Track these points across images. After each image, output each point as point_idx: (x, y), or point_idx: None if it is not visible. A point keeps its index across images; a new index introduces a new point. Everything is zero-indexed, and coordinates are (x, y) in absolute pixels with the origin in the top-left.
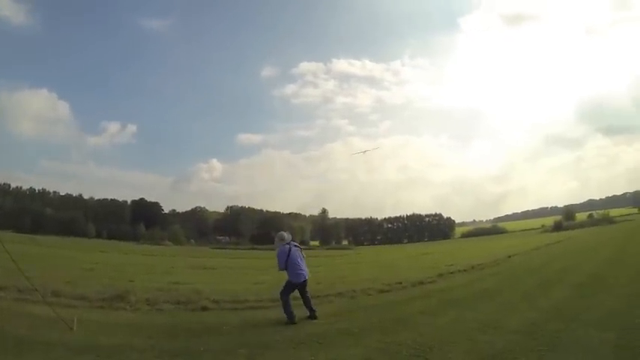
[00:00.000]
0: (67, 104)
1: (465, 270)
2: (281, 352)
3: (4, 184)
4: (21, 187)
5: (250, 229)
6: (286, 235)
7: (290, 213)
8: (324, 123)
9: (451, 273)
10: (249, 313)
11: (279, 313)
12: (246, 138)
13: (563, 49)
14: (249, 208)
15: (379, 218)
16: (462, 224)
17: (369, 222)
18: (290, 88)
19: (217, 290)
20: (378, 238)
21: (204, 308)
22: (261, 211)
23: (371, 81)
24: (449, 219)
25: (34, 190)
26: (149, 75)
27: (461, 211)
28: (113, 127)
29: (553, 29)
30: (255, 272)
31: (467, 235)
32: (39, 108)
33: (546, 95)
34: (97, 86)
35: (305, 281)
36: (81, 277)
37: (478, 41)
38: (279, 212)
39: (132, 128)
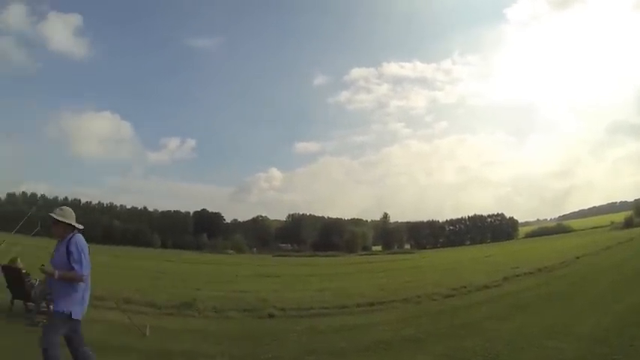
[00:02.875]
0: (129, 124)
1: (531, 272)
2: (348, 359)
3: (74, 199)
4: (90, 202)
5: (312, 235)
6: None
7: (351, 219)
8: (380, 127)
9: (517, 276)
10: (315, 320)
11: (344, 320)
12: (303, 146)
13: (615, 28)
14: (310, 215)
15: (440, 221)
16: (526, 224)
17: (431, 225)
18: (343, 95)
19: (282, 298)
20: (440, 240)
21: (271, 315)
22: (322, 217)
23: (423, 82)
24: (511, 219)
25: (102, 204)
26: (204, 91)
27: (523, 210)
28: (173, 142)
29: (602, 8)
30: (319, 279)
31: (531, 235)
32: (104, 129)
33: (603, 80)
34: (156, 105)
35: None
36: (150, 285)
37: (526, 30)
38: (341, 218)
39: (191, 143)
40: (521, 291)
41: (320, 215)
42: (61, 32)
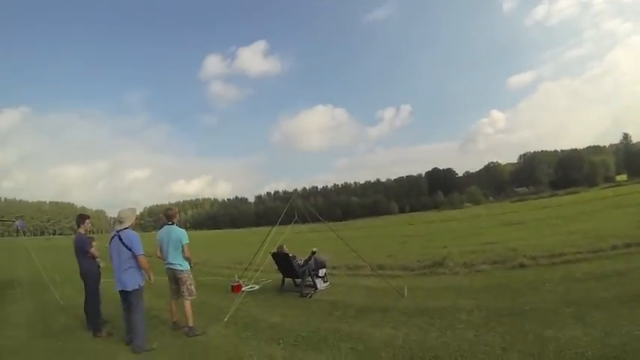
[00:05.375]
0: (342, 110)
1: None
2: (610, 311)
3: (312, 187)
4: (326, 186)
5: (547, 173)
6: (121, 217)
7: (588, 147)
8: (594, 33)
9: None
10: (569, 267)
11: (601, 265)
12: (516, 80)
13: None
14: (542, 151)
15: None
16: None
17: None
18: (540, 10)
19: (531, 245)
20: None
21: (522, 265)
22: (556, 152)
23: None
24: None
25: (338, 185)
26: (405, 58)
27: None
28: (388, 112)
29: None
30: (565, 221)
31: None
32: (321, 120)
33: None
34: (360, 84)
35: (123, 292)
36: (398, 250)
37: None
38: (576, 149)
39: (406, 108)
40: None
41: (553, 150)
42: (254, 60)
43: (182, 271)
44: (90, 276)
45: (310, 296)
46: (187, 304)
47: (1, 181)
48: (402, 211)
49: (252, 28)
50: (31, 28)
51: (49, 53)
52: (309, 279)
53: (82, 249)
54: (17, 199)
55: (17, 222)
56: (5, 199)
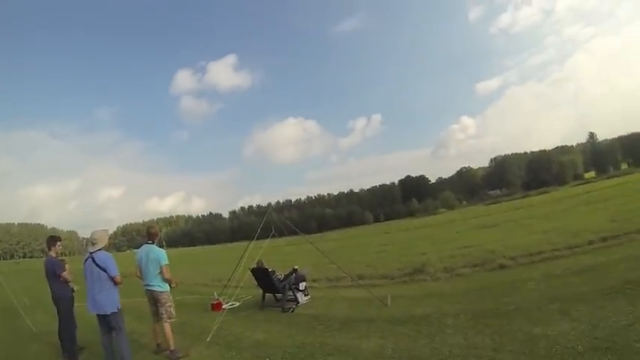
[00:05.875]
0: (313, 122)
1: None
2: (593, 304)
3: (285, 200)
4: (300, 199)
5: (519, 175)
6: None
7: (556, 147)
8: (555, 39)
9: None
10: (548, 264)
11: (579, 260)
12: (483, 86)
13: None
14: (513, 154)
15: None
16: None
17: None
18: (504, 19)
19: (508, 246)
20: None
21: (502, 266)
22: (526, 154)
23: None
24: None
25: (311, 197)
26: (367, 67)
27: None
28: (360, 123)
29: None
30: (538, 221)
31: None
32: (292, 133)
33: None
34: (330, 97)
35: (102, 315)
36: (377, 259)
37: None
38: (545, 150)
39: (377, 117)
40: None
41: (523, 152)
42: (224, 74)
43: (161, 292)
44: (63, 300)
45: (292, 311)
46: (167, 326)
47: None
48: (376, 220)
49: (221, 42)
50: None
51: (13, 67)
52: (290, 293)
53: (53, 272)
54: None
55: None
56: None
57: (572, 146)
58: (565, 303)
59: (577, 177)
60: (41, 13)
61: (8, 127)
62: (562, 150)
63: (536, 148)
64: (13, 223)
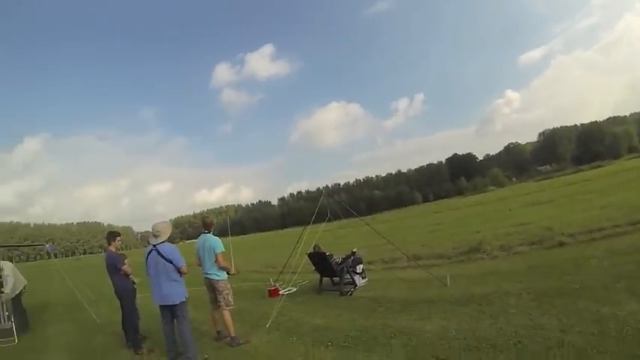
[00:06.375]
0: (356, 105)
1: None
2: None
3: (334, 184)
4: (348, 182)
5: (569, 149)
6: (157, 230)
7: (608, 118)
8: (602, 0)
9: None
10: (610, 241)
11: None
12: (527, 57)
13: None
14: (562, 127)
15: None
16: None
17: None
18: None
19: (566, 223)
20: None
21: (561, 244)
22: (576, 126)
23: None
24: None
25: (359, 180)
26: (413, 47)
27: None
28: (402, 103)
29: None
30: (596, 196)
31: None
32: (336, 117)
33: None
34: (371, 78)
35: (166, 306)
36: (431, 238)
37: None
38: (596, 121)
39: (419, 96)
40: None
41: (572, 124)
42: (262, 64)
43: (218, 280)
44: (125, 293)
45: (350, 294)
46: (226, 313)
47: (31, 207)
48: (425, 200)
49: (257, 33)
50: (37, 49)
51: (61, 75)
52: (348, 276)
53: (114, 266)
54: (46, 223)
55: (47, 245)
56: (35, 224)
57: (626, 116)
58: (632, 281)
59: (632, 149)
60: (87, 26)
61: (58, 133)
62: (615, 120)
63: (586, 120)
64: (72, 223)
